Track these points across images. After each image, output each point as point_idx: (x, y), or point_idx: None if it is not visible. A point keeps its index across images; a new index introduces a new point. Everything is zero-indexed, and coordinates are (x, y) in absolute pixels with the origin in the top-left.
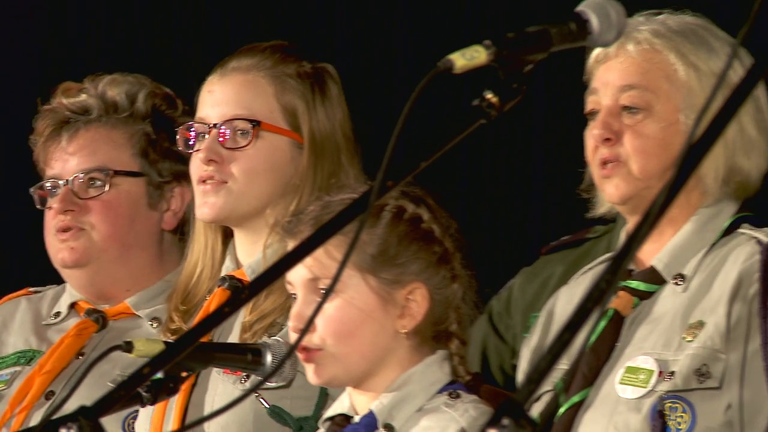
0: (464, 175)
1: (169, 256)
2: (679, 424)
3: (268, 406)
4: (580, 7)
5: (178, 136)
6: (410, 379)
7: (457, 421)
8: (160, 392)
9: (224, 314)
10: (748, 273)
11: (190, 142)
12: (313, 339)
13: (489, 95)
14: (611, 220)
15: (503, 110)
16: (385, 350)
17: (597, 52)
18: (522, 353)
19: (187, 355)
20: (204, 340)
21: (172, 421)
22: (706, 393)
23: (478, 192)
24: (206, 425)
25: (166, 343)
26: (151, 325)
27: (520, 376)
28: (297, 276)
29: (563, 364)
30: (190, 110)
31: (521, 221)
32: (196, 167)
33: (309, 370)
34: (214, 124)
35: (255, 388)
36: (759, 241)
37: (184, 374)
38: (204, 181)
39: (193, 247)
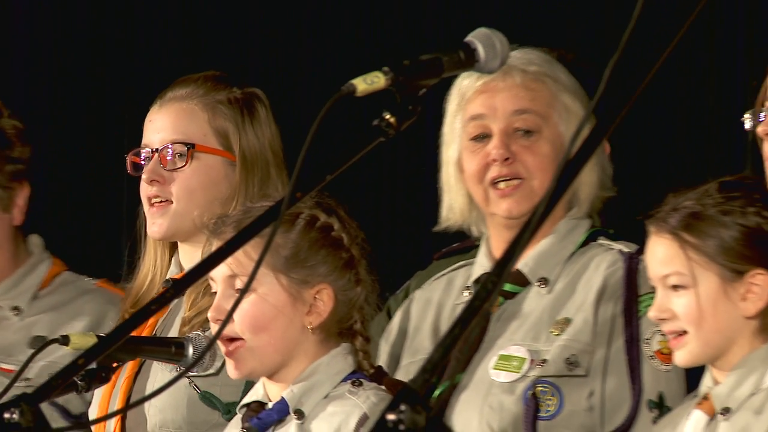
0: (369, 189)
1: (21, 248)
2: (549, 406)
3: (199, 392)
4: (469, 38)
5: (127, 162)
6: (317, 370)
7: (360, 407)
8: (93, 381)
9: (151, 311)
10: (612, 278)
11: (138, 167)
12: (232, 330)
13: (387, 116)
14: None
15: (400, 129)
16: (294, 343)
17: (477, 84)
18: (381, 348)
19: (117, 348)
20: (147, 333)
21: (117, 404)
22: (573, 380)
23: (380, 204)
24: (146, 409)
25: (98, 337)
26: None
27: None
28: (218, 273)
29: (425, 355)
30: (14, 114)
31: (416, 231)
32: (143, 189)
33: (230, 365)
34: (156, 149)
35: (180, 377)
36: (621, 251)
37: (114, 365)
38: (151, 202)
39: (144, 259)
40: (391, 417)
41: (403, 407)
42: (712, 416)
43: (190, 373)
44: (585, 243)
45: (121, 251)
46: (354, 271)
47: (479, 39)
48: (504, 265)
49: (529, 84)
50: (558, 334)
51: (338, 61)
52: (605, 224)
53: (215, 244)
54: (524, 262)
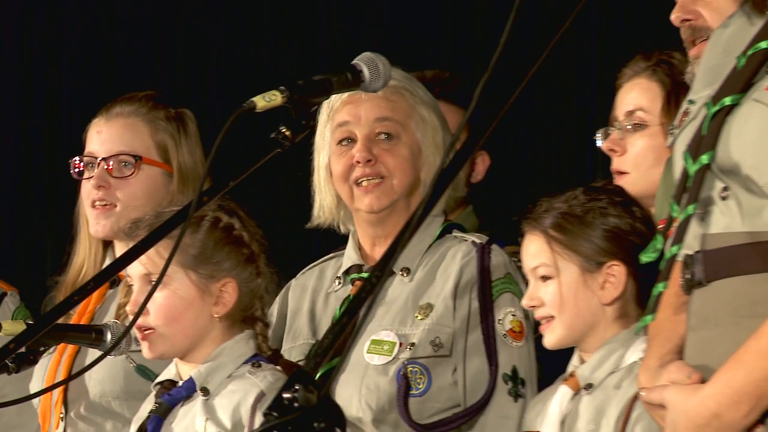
0: (268, 193)
1: None
2: (419, 383)
3: (135, 365)
4: (355, 60)
5: (71, 166)
6: (222, 353)
7: (258, 386)
8: (22, 363)
9: (74, 301)
10: (467, 266)
11: (80, 171)
12: (147, 321)
13: (283, 129)
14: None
15: (295, 141)
16: (203, 330)
17: (344, 96)
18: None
19: (44, 334)
20: (86, 318)
21: (61, 378)
22: (439, 360)
23: (278, 205)
24: (87, 381)
25: (27, 324)
26: None
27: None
28: (134, 271)
29: (308, 339)
30: None
31: (309, 230)
32: (88, 192)
33: (144, 347)
34: (103, 158)
35: (101, 358)
36: (474, 242)
37: (41, 349)
38: (94, 204)
39: (78, 254)
40: (286, 395)
41: (297, 387)
42: (576, 391)
43: (131, 350)
44: (440, 236)
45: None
46: (254, 265)
47: (364, 62)
48: (386, 261)
49: (389, 96)
50: (422, 319)
51: (246, 77)
52: (484, 225)
53: (130, 245)
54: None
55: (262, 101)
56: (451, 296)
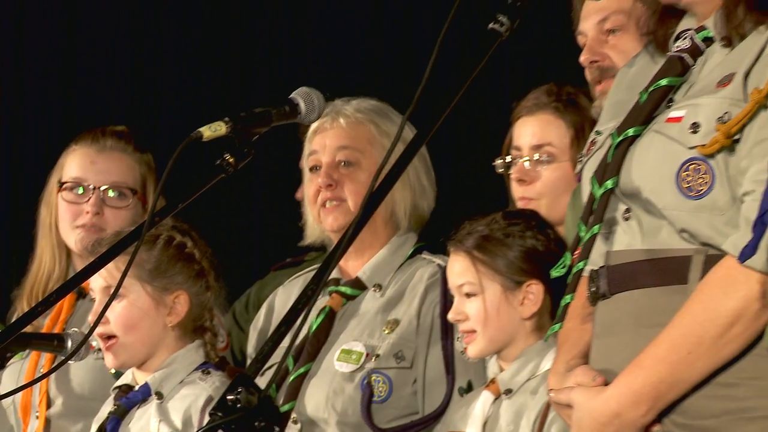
0: (216, 214)
1: None
2: (381, 391)
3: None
4: (293, 95)
5: (61, 190)
6: (175, 360)
7: (207, 390)
8: None
9: (38, 312)
10: (432, 287)
11: (72, 197)
12: (109, 329)
13: (227, 156)
14: (320, 248)
15: (238, 168)
16: (158, 338)
17: (314, 126)
18: (250, 335)
19: (10, 341)
20: (60, 325)
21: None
22: (400, 371)
23: (227, 226)
24: (69, 381)
25: None
26: None
27: (250, 350)
28: (96, 284)
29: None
30: None
31: (257, 247)
32: (74, 213)
33: (107, 357)
34: (97, 187)
35: (61, 364)
36: (439, 265)
37: (8, 354)
38: (86, 227)
39: (42, 258)
40: (230, 397)
41: (240, 389)
42: (497, 396)
43: (98, 357)
44: (412, 255)
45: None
46: (204, 279)
47: (301, 95)
48: (321, 275)
49: (352, 126)
50: (389, 333)
51: (196, 109)
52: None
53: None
54: (363, 271)
55: (208, 131)
56: (416, 314)
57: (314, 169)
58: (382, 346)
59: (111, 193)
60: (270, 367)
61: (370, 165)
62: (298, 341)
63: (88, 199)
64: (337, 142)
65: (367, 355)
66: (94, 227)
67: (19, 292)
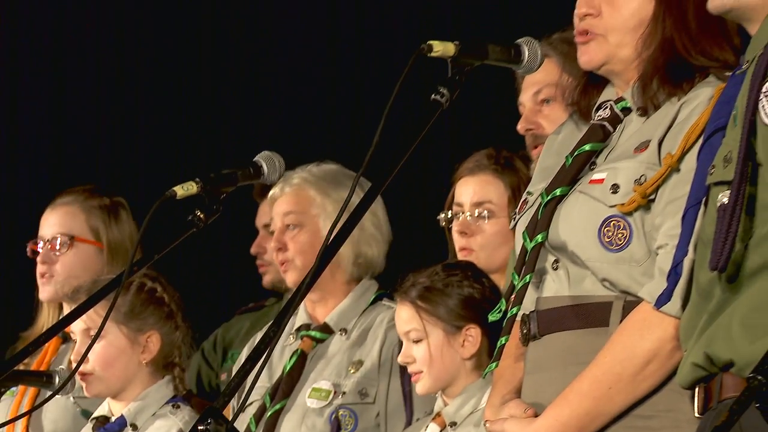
0: (188, 266)
1: None
2: (348, 425)
3: (80, 409)
4: (256, 158)
5: (27, 248)
6: (148, 394)
7: (177, 424)
8: None
9: (29, 351)
10: (390, 330)
11: (33, 251)
12: (87, 367)
13: (198, 213)
14: (279, 294)
15: (207, 223)
16: (132, 373)
17: (270, 194)
18: (234, 372)
19: (4, 378)
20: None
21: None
22: (364, 406)
23: (198, 276)
24: (43, 418)
25: None
26: None
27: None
28: (76, 327)
29: (266, 383)
30: None
31: (223, 294)
32: (38, 267)
33: (84, 388)
34: (48, 239)
35: (47, 400)
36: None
37: (2, 390)
38: (42, 276)
39: (40, 314)
40: (201, 427)
41: (209, 420)
42: (443, 428)
43: (74, 396)
44: (374, 302)
45: None
46: (174, 320)
47: (263, 158)
48: (280, 321)
49: (296, 192)
50: (354, 372)
51: (171, 170)
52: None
53: (72, 307)
54: (330, 317)
55: (181, 190)
56: (377, 355)
57: (272, 234)
58: (348, 384)
59: (53, 243)
60: (251, 404)
61: (312, 226)
62: (273, 381)
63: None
64: (284, 208)
65: (335, 392)
66: (45, 275)
67: (25, 334)
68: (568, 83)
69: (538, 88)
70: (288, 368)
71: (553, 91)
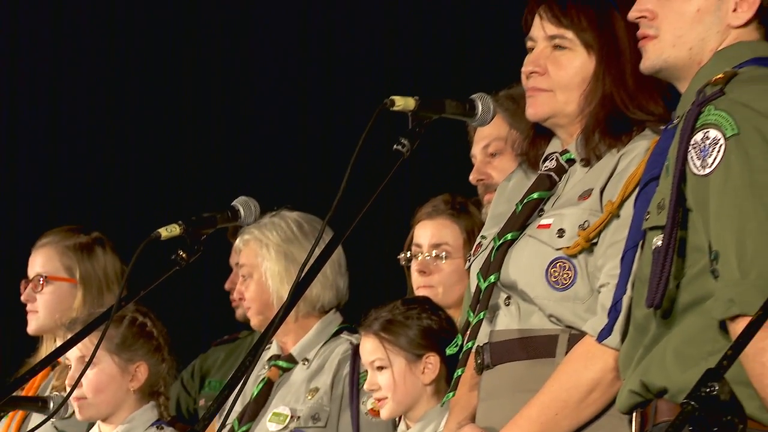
0: (169, 300)
1: None
2: None
3: (57, 430)
4: (234, 202)
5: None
6: (134, 418)
7: None
8: None
9: (26, 378)
10: (344, 361)
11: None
12: (81, 392)
13: (181, 252)
14: (250, 327)
15: (189, 261)
16: (121, 400)
17: (234, 246)
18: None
19: (2, 403)
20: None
21: None
22: (317, 429)
23: (178, 310)
24: None
25: None
26: None
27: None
28: (72, 355)
29: (239, 408)
30: None
31: (201, 326)
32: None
33: (77, 411)
34: (30, 279)
35: (44, 422)
36: (351, 343)
37: (1, 414)
38: (28, 312)
39: (42, 341)
40: None
41: None
42: None
43: (54, 420)
44: (336, 334)
45: None
46: (161, 353)
47: (240, 203)
48: (256, 350)
49: (247, 245)
50: (310, 398)
51: (157, 212)
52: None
53: (68, 336)
54: (295, 348)
55: (165, 232)
56: (331, 383)
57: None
58: (303, 409)
59: (35, 282)
60: (226, 427)
61: (259, 276)
62: (242, 406)
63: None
64: (241, 260)
65: (291, 416)
66: (31, 312)
67: (30, 360)
68: (516, 136)
69: (487, 142)
70: (255, 394)
71: (501, 144)
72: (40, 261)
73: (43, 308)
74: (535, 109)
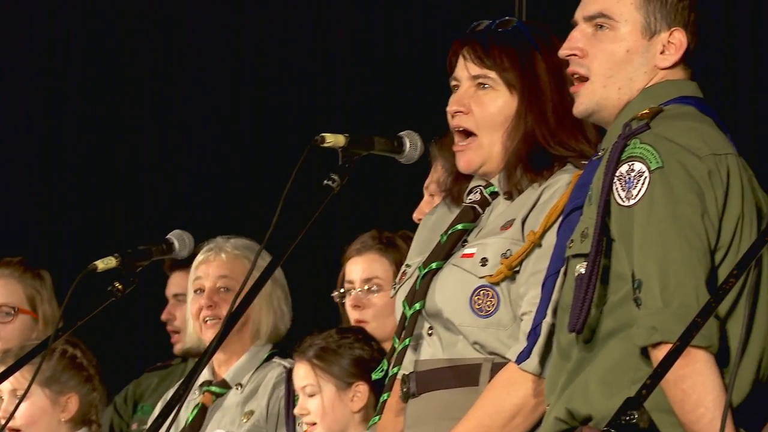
0: (104, 329)
1: None
2: None
3: None
4: (168, 235)
5: None
6: None
7: None
8: None
9: None
10: (278, 384)
11: None
12: (15, 424)
13: (117, 284)
14: (183, 357)
15: (125, 293)
16: (54, 431)
17: (200, 257)
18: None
19: None
20: None
21: None
22: None
23: (112, 338)
24: None
25: None
26: None
27: None
28: (4, 387)
29: None
30: None
31: (134, 353)
32: None
33: None
34: None
35: None
36: (284, 367)
37: None
38: None
39: None
40: None
41: None
42: None
43: None
44: (268, 359)
45: None
46: (92, 383)
47: (175, 236)
48: (190, 378)
49: (231, 260)
50: (246, 421)
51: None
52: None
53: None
54: (228, 373)
55: (102, 264)
56: (266, 406)
57: (198, 291)
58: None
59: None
60: None
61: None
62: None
63: None
64: (218, 271)
65: None
66: None
67: None
68: (442, 173)
69: (427, 184)
70: (190, 420)
71: (436, 188)
72: (2, 292)
73: (6, 340)
74: (466, 163)
